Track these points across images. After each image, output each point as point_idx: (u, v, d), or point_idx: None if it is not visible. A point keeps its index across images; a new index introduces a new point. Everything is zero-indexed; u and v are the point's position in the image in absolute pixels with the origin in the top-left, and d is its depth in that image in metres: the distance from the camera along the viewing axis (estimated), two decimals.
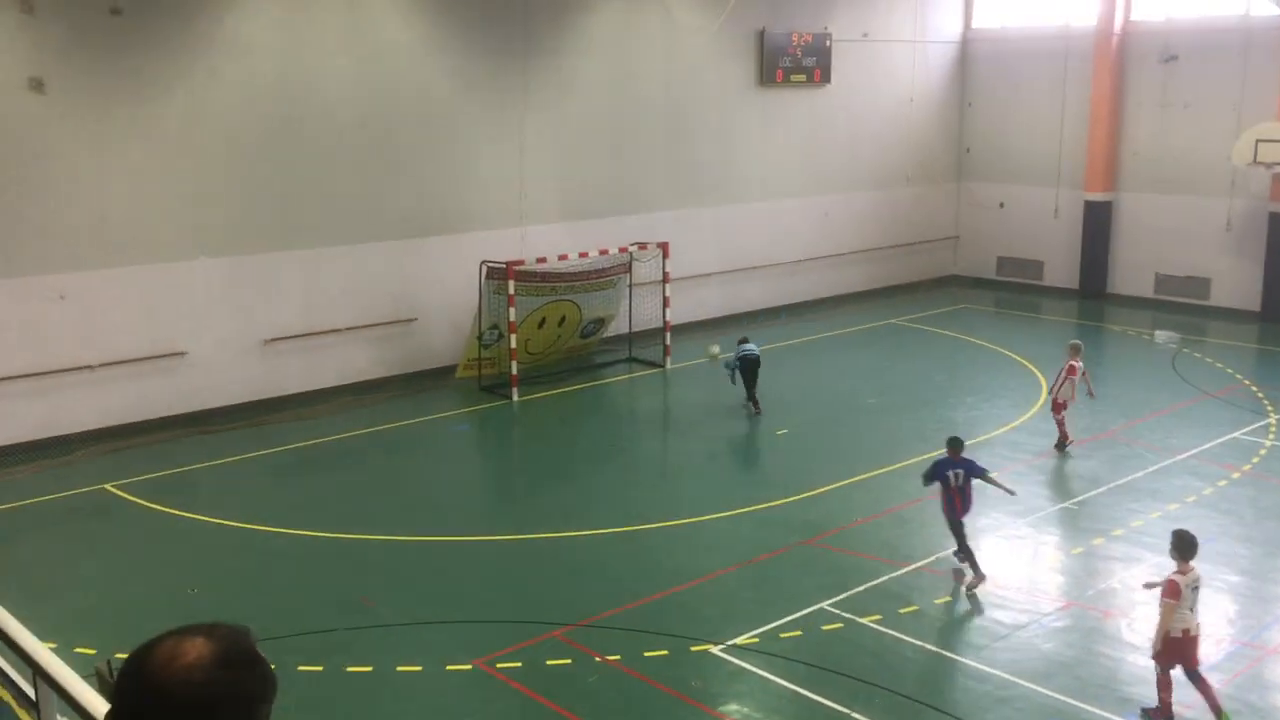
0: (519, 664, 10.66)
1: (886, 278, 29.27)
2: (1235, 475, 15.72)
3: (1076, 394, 16.66)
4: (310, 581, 12.68)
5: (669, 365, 21.79)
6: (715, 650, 10.91)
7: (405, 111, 20.31)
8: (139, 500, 15.08)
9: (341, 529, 14.08)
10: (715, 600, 12.09)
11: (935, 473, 12.51)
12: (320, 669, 10.53)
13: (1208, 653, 10.91)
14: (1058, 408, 16.67)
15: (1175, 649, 9.54)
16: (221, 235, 18.50)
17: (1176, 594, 9.41)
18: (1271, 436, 17.34)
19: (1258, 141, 24.20)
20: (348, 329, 20.04)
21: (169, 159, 17.85)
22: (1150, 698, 10.01)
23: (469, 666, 10.63)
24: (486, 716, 10.03)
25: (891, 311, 26.96)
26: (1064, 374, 16.61)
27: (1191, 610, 9.49)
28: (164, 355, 18.08)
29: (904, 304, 27.84)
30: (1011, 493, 12.95)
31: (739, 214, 25.78)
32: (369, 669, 10.59)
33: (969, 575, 12.23)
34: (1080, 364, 16.66)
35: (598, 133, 23.16)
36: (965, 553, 12.30)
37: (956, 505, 12.31)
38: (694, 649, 10.95)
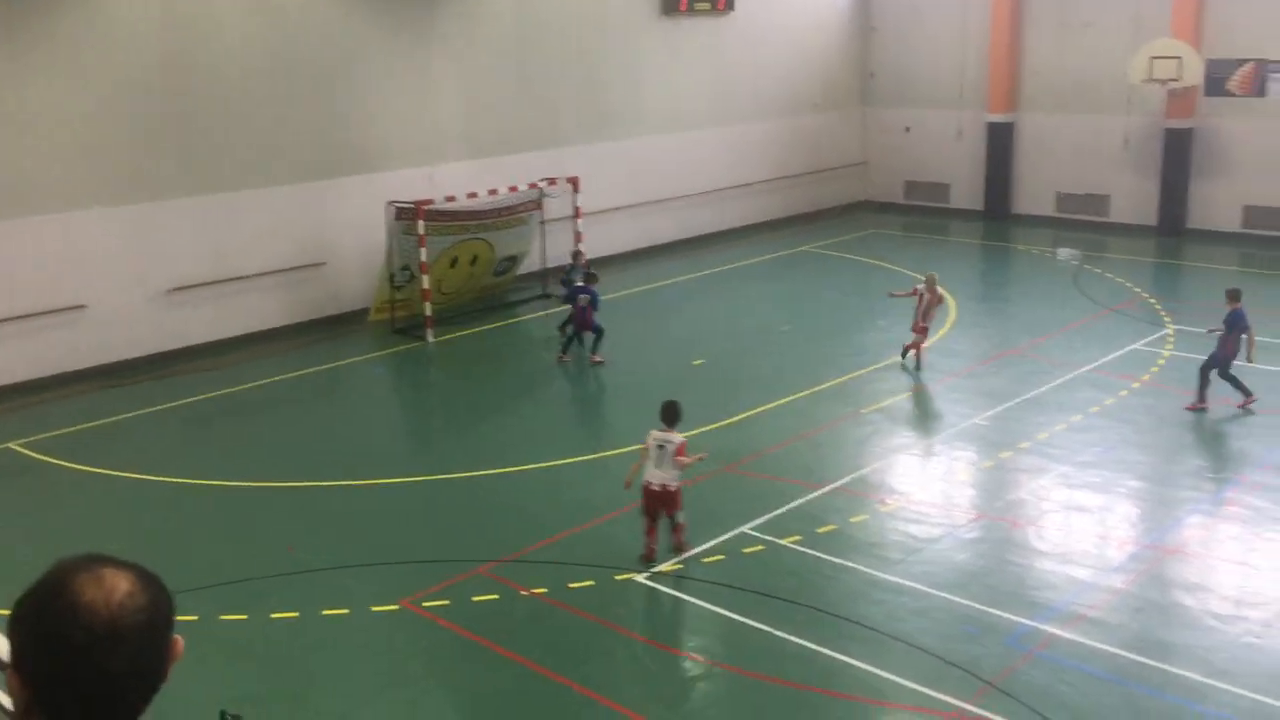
0: (446, 601, 10.72)
1: (796, 206, 29.48)
2: (1135, 385, 16.28)
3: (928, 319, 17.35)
4: (230, 532, 12.54)
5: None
6: (640, 578, 11.07)
7: (306, 49, 19.76)
8: (47, 458, 14.72)
9: (259, 478, 13.92)
10: (638, 530, 12.22)
11: (572, 296, 18.08)
12: (245, 617, 10.47)
13: (1111, 556, 11.40)
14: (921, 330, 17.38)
15: (646, 497, 11.25)
16: (116, 183, 17.91)
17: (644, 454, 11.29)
18: (1169, 347, 17.95)
19: (1152, 59, 24.72)
20: (255, 275, 19.63)
21: (56, 106, 17.17)
22: (1056, 601, 10.44)
23: (395, 607, 10.66)
24: (414, 654, 10.08)
25: (802, 239, 27.20)
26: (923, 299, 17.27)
27: (657, 466, 11.12)
28: (63, 309, 17.56)
29: (814, 231, 28.10)
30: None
31: (648, 146, 25.67)
32: (295, 614, 10.56)
33: (566, 355, 18.09)
34: (924, 289, 17.25)
35: (504, 67, 22.81)
36: (575, 342, 18.10)
37: (588, 318, 17.87)
38: (619, 578, 11.10)
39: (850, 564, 11.28)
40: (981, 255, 26.53)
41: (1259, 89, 24.99)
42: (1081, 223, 27.60)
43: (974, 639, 9.88)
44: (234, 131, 19.07)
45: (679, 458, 11.14)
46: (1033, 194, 28.67)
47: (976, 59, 28.67)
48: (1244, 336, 14.83)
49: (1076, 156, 27.75)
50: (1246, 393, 14.95)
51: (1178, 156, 26.05)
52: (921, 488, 13.18)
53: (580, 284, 18.23)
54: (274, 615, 10.55)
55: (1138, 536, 11.93)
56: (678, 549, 11.47)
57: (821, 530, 11.98)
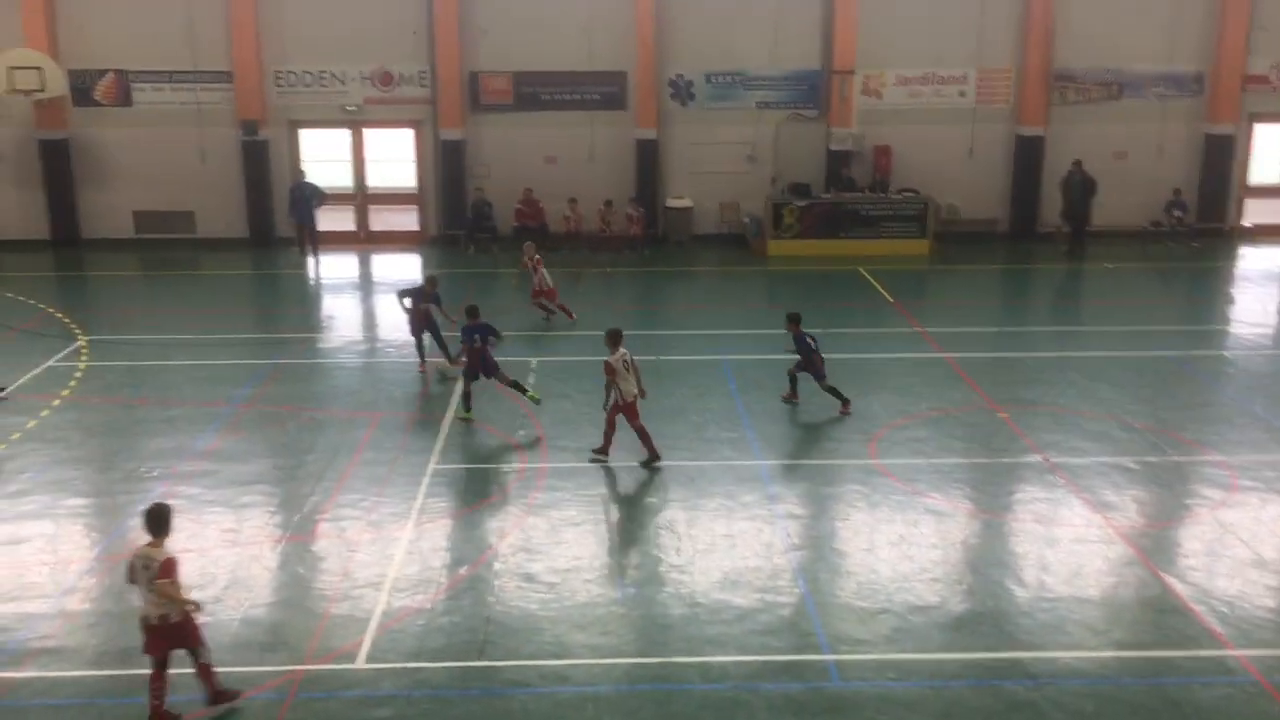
0: None
1: None
2: (56, 403, 15.86)
3: None
4: None
5: None
6: None
7: None
8: None
9: None
10: None
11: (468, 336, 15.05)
12: None
13: (62, 580, 11.00)
14: None
15: (145, 636, 8.68)
16: None
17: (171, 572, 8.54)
18: (84, 358, 17.82)
19: (11, 69, 23.94)
20: None
21: None
22: (10, 643, 9.77)
23: None
24: None
25: None
26: None
27: (148, 592, 8.52)
28: None
29: None
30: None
31: None
32: None
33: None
34: None
35: None
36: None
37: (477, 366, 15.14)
38: None
39: None
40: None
41: (125, 98, 25.82)
42: None
43: None
44: None
45: (160, 580, 8.39)
46: None
47: None
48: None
49: None
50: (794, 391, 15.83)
51: (58, 167, 25.76)
52: None
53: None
54: None
55: (85, 552, 11.70)
56: (217, 697, 8.85)
57: None
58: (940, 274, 24.43)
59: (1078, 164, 25.42)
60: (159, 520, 8.68)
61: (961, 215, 26.74)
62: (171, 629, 8.58)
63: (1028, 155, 26.63)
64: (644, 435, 13.67)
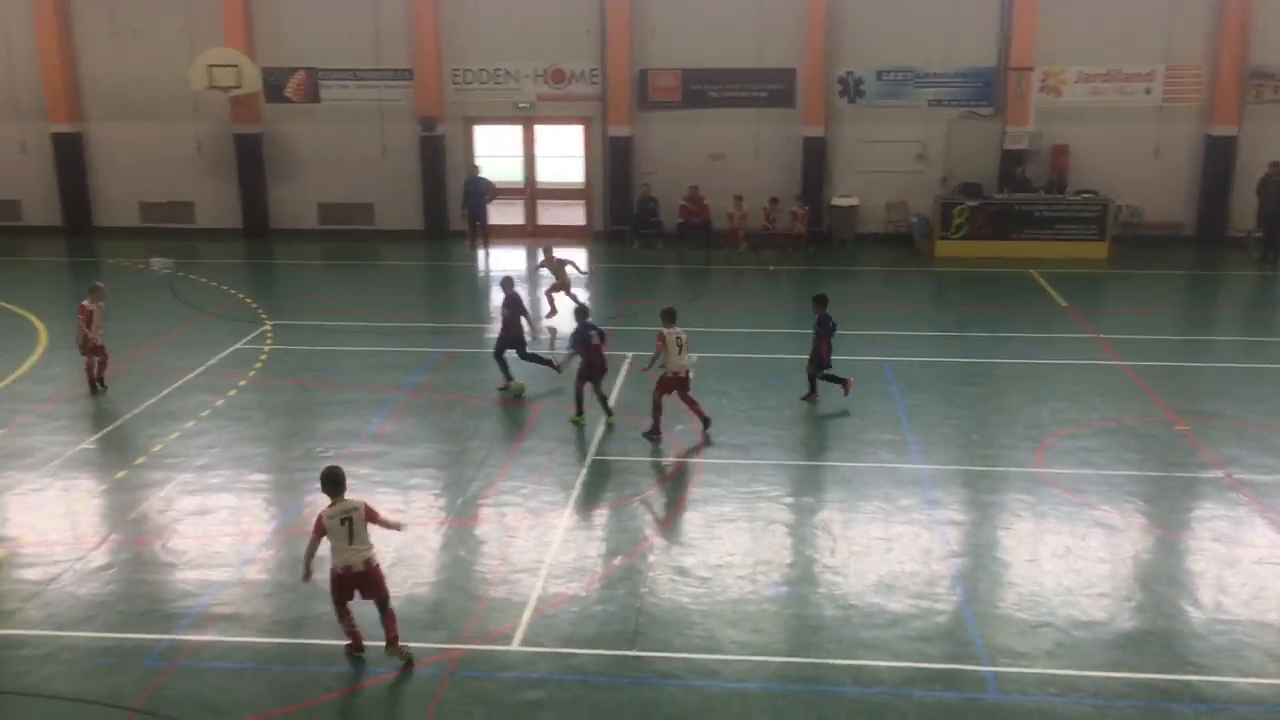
0: None
1: None
2: (242, 383, 16.74)
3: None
4: None
5: None
6: None
7: None
8: None
9: None
10: None
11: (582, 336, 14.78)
12: None
13: (242, 550, 11.62)
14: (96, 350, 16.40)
15: (340, 585, 9.44)
16: None
17: (320, 531, 9.39)
18: (269, 342, 18.75)
19: (210, 67, 25.34)
20: None
21: None
22: (193, 607, 10.37)
23: None
24: None
25: None
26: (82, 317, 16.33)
27: (350, 543, 9.30)
28: None
29: None
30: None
31: None
32: None
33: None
34: (90, 305, 16.30)
35: None
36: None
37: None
38: None
39: None
40: (70, 272, 25.05)
41: (313, 95, 27.05)
42: (170, 230, 27.48)
43: (112, 670, 9.42)
44: None
45: (373, 522, 9.47)
46: (115, 205, 27.84)
47: (27, 67, 26.81)
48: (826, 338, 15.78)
49: (154, 165, 27.52)
50: (813, 388, 15.83)
51: (251, 161, 27.16)
52: (33, 529, 12.12)
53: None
54: None
55: (264, 525, 12.33)
56: (401, 651, 9.49)
57: None
58: (1119, 278, 23.44)
59: (1276, 166, 24.02)
60: (336, 481, 9.43)
61: (1144, 218, 25.60)
62: (356, 578, 9.36)
63: (1218, 156, 25.30)
64: (694, 405, 14.53)
